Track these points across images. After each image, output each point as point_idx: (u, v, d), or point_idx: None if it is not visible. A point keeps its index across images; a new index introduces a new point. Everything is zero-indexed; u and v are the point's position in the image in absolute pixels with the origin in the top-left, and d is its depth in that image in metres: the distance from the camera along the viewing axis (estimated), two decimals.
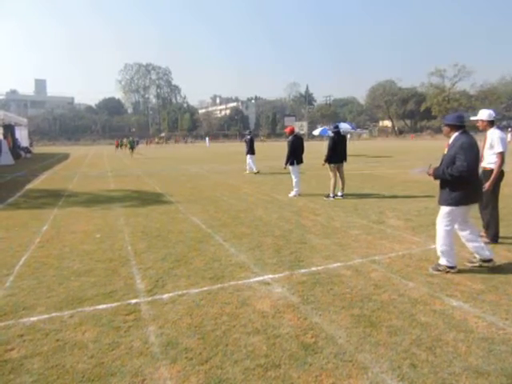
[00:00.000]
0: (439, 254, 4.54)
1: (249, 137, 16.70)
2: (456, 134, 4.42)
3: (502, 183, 5.55)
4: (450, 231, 4.46)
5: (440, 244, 4.50)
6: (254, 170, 16.01)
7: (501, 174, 5.36)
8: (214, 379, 2.61)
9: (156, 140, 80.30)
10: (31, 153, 36.83)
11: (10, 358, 2.90)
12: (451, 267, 4.44)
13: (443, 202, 4.48)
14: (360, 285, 4.17)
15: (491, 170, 5.34)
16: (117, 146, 46.27)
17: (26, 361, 2.85)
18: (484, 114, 5.51)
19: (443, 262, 4.49)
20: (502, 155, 5.26)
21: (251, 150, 16.23)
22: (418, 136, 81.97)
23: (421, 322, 3.31)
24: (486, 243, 5.43)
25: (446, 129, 4.56)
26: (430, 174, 4.58)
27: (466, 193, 4.35)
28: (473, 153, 4.27)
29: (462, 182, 4.27)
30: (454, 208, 4.39)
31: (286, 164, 10.39)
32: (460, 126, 4.43)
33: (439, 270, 4.47)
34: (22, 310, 3.68)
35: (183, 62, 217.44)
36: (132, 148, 32.92)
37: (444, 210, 4.48)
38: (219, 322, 3.40)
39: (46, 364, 2.81)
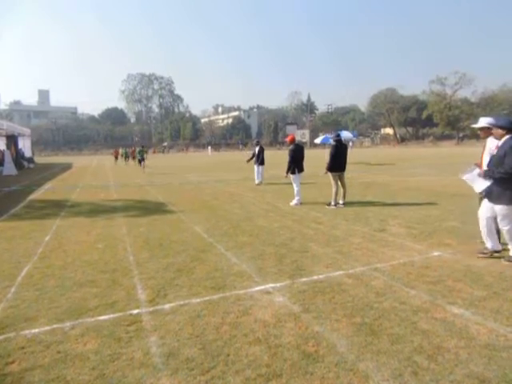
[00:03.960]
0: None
1: (257, 147, 15.80)
2: (507, 136, 4.86)
3: None
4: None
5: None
6: (258, 181, 15.47)
7: None
8: None
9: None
10: (34, 163, 37.05)
11: (11, 371, 2.90)
12: None
13: (507, 201, 4.83)
14: (361, 293, 4.16)
15: None
16: (116, 157, 38.63)
17: (26, 373, 2.85)
18: (485, 122, 5.53)
19: None
20: None
21: (262, 161, 15.55)
22: (419, 143, 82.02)
23: (422, 330, 3.31)
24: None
25: (499, 131, 4.97)
26: (481, 176, 5.02)
27: None
28: None
29: None
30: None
31: (287, 173, 10.43)
32: None
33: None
34: (23, 321, 3.69)
35: (186, 72, 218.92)
36: (142, 160, 25.89)
37: (504, 209, 4.86)
38: (220, 331, 3.40)
39: (46, 376, 2.81)
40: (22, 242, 6.78)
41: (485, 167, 5.53)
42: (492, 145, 5.37)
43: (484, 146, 5.55)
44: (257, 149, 15.78)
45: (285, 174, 10.60)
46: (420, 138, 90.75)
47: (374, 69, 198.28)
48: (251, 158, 16.08)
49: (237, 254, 5.73)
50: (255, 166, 15.74)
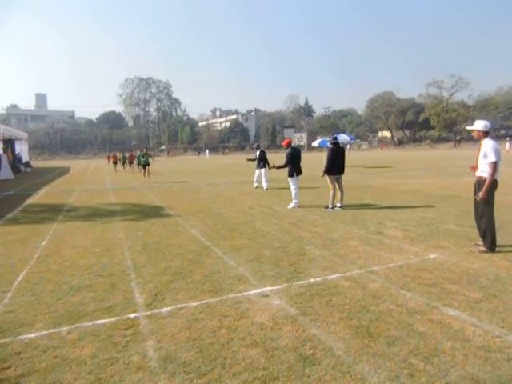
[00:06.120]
0: None
1: (258, 151, 15.39)
2: None
3: (499, 192, 5.59)
4: None
5: None
6: (256, 185, 15.26)
7: (494, 183, 5.41)
8: None
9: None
10: (31, 167, 36.98)
11: (6, 376, 2.88)
12: None
13: None
14: (358, 296, 4.17)
15: (485, 179, 5.40)
16: (115, 162, 34.27)
17: (22, 379, 2.84)
18: (480, 125, 5.59)
19: None
20: (494, 164, 5.32)
21: (264, 164, 15.07)
22: (417, 146, 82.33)
23: (418, 332, 3.32)
24: (482, 252, 5.51)
25: None
26: None
27: None
28: None
29: None
30: None
31: (279, 168, 10.98)
32: None
33: None
34: (19, 326, 3.68)
35: (183, 76, 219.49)
36: (145, 166, 22.00)
37: None
38: (218, 334, 3.40)
39: (43, 381, 2.80)
40: (18, 247, 6.77)
41: (479, 170, 5.59)
42: (487, 146, 5.42)
43: (479, 149, 5.60)
44: (258, 153, 15.42)
45: (271, 165, 11.66)
46: (417, 141, 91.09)
47: (371, 72, 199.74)
48: (253, 160, 15.76)
49: (234, 257, 5.73)
50: (256, 170, 15.47)
